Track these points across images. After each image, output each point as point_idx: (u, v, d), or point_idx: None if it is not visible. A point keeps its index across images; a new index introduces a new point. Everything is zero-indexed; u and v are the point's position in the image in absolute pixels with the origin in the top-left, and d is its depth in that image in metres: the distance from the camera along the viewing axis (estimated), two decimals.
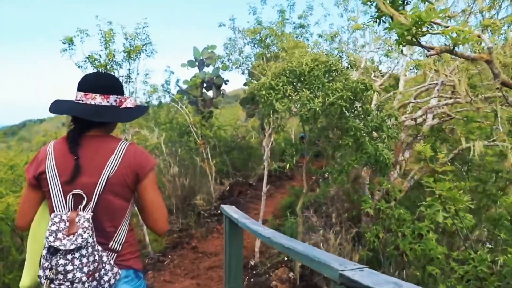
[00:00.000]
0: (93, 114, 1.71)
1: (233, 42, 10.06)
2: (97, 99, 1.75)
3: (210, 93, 12.10)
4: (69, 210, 1.64)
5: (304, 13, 10.30)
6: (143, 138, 9.83)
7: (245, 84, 11.57)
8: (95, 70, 6.04)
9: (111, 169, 1.67)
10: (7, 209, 4.59)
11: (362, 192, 5.80)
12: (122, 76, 6.58)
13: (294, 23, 10.35)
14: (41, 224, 1.74)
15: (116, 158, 1.69)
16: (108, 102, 1.77)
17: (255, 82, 6.77)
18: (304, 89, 4.38)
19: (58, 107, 1.80)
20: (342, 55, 7.02)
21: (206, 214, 8.51)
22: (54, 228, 1.57)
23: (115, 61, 6.37)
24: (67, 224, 1.59)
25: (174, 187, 8.85)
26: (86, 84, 1.78)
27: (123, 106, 1.79)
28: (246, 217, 3.16)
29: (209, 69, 12.12)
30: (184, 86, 11.95)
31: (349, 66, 5.84)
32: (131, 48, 6.52)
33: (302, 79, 4.57)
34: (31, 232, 1.78)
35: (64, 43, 6.16)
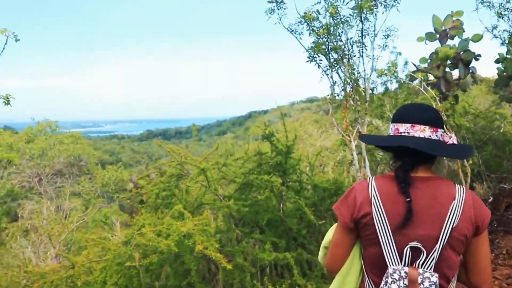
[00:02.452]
0: (429, 147, 1.61)
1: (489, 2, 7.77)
2: (427, 132, 1.65)
3: (455, 73, 9.97)
4: (405, 265, 1.55)
5: None
6: (374, 129, 8.67)
7: (497, 61, 9.03)
8: (312, 35, 5.11)
9: (453, 220, 1.54)
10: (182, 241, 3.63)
11: None
12: (350, 40, 5.29)
13: None
14: (351, 271, 1.70)
15: (458, 207, 1.55)
16: (436, 136, 1.67)
17: None
18: None
19: (375, 139, 1.88)
20: None
21: None
22: (394, 286, 1.50)
23: (340, 20, 5.16)
24: (406, 282, 1.49)
25: None
26: (411, 115, 1.69)
27: (450, 142, 1.68)
28: None
29: (453, 42, 9.97)
30: (420, 65, 10.15)
31: None
32: None
33: None
34: (339, 278, 1.72)
35: (271, 1, 5.25)
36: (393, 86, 10.12)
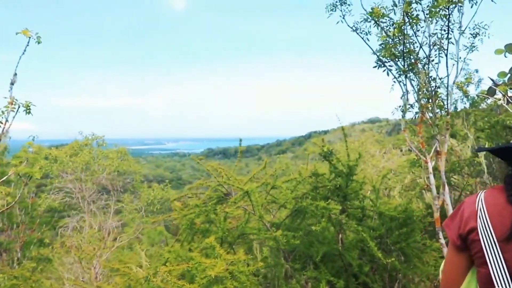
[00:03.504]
0: None
1: None
2: None
3: None
4: None
5: None
6: (448, 150, 7.58)
7: None
8: (380, 36, 4.31)
9: None
10: None
11: None
12: (431, 36, 4.40)
13: None
14: None
15: None
16: None
17: None
18: None
19: (490, 148, 1.73)
20: None
21: None
22: None
23: (416, 15, 4.29)
24: None
25: None
26: None
27: None
28: None
29: None
30: (498, 80, 8.91)
31: None
32: None
33: None
34: None
35: None
36: (460, 105, 8.97)
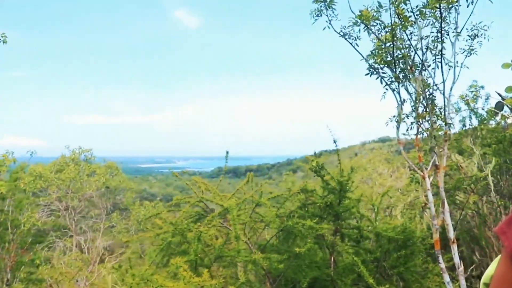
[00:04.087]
0: None
1: None
2: None
3: None
4: None
5: None
6: (454, 166, 7.18)
7: None
8: (372, 40, 4.01)
9: None
10: None
11: None
12: (424, 39, 4.08)
13: None
14: None
15: None
16: None
17: None
18: None
19: None
20: None
21: None
22: None
23: (407, 16, 3.96)
24: None
25: None
26: None
27: None
28: None
29: None
30: (507, 95, 8.48)
31: None
32: None
33: None
34: None
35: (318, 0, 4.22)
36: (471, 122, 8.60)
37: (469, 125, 8.67)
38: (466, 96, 8.23)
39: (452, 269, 4.87)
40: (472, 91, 8.13)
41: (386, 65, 4.22)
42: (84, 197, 12.04)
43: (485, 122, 8.38)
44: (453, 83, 4.03)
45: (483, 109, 8.44)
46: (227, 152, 5.19)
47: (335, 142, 4.80)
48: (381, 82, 4.51)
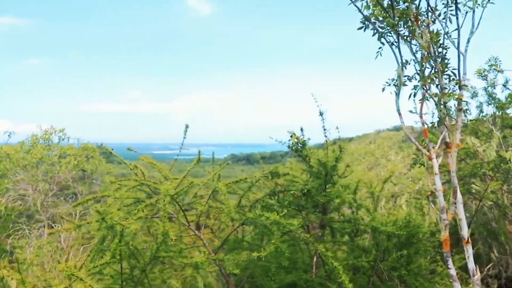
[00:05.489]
0: None
1: None
2: None
3: None
4: None
5: None
6: (467, 149, 6.18)
7: None
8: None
9: None
10: None
11: None
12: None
13: None
14: None
15: None
16: None
17: None
18: None
19: None
20: None
21: None
22: None
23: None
24: None
25: None
26: None
27: None
28: None
29: None
30: None
31: None
32: None
33: None
34: None
35: None
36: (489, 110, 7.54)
37: (487, 112, 7.62)
38: (484, 72, 7.16)
39: (464, 268, 3.95)
40: (490, 65, 7.03)
41: (383, 11, 3.23)
42: (55, 181, 11.28)
43: (505, 108, 7.29)
44: (471, 32, 3.03)
45: (503, 89, 7.36)
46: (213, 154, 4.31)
47: (325, 131, 3.85)
48: (379, 39, 3.52)
